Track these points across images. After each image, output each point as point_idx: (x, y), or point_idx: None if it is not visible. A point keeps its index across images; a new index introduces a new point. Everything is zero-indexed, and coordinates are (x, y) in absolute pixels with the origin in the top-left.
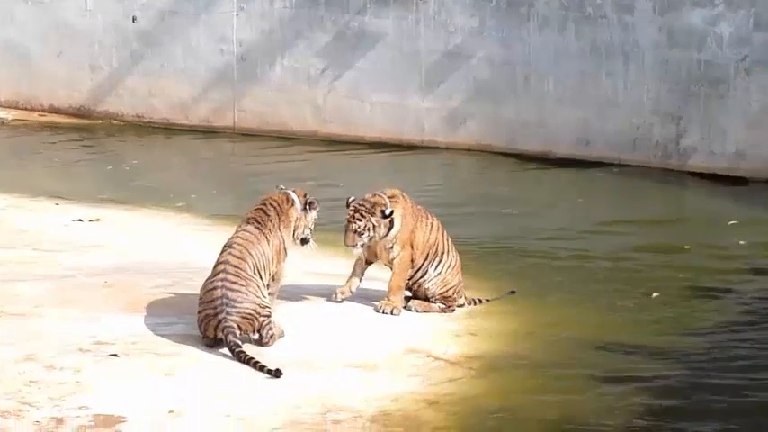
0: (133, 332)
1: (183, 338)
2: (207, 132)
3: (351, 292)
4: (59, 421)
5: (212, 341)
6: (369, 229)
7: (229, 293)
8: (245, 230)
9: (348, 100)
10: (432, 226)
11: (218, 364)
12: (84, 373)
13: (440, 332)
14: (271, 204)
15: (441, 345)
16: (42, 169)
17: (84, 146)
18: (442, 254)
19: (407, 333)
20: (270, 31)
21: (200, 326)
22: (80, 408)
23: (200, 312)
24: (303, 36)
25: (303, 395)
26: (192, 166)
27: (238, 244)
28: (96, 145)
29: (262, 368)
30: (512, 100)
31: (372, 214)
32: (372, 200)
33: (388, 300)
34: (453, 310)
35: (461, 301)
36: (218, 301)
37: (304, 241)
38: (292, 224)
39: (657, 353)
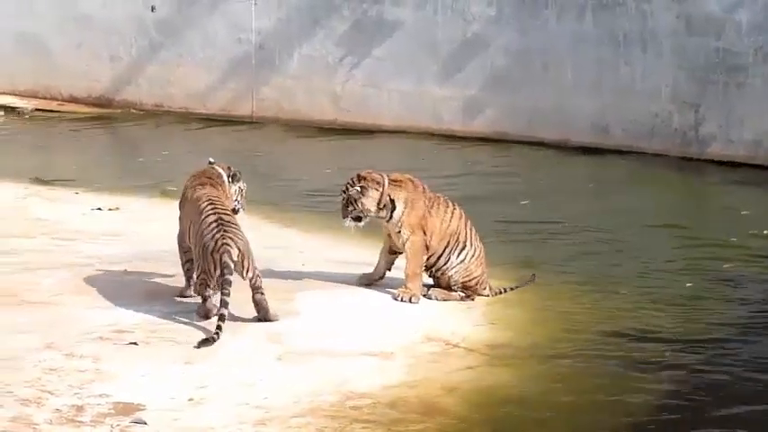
0: (152, 320)
1: (203, 327)
2: (225, 121)
3: (374, 279)
4: (79, 409)
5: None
6: (351, 202)
7: (225, 217)
8: (202, 189)
9: (366, 88)
10: (452, 214)
11: (237, 351)
12: (103, 361)
13: (458, 320)
14: (212, 176)
15: (459, 333)
16: (62, 158)
17: (103, 135)
18: (465, 242)
19: (426, 321)
20: (288, 20)
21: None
22: (100, 396)
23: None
24: (321, 25)
25: (322, 383)
26: (211, 155)
27: (208, 195)
28: (115, 134)
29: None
30: (529, 88)
31: (353, 186)
32: (362, 174)
33: (406, 288)
34: (473, 299)
35: (486, 292)
36: (215, 225)
37: (234, 211)
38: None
39: (680, 341)
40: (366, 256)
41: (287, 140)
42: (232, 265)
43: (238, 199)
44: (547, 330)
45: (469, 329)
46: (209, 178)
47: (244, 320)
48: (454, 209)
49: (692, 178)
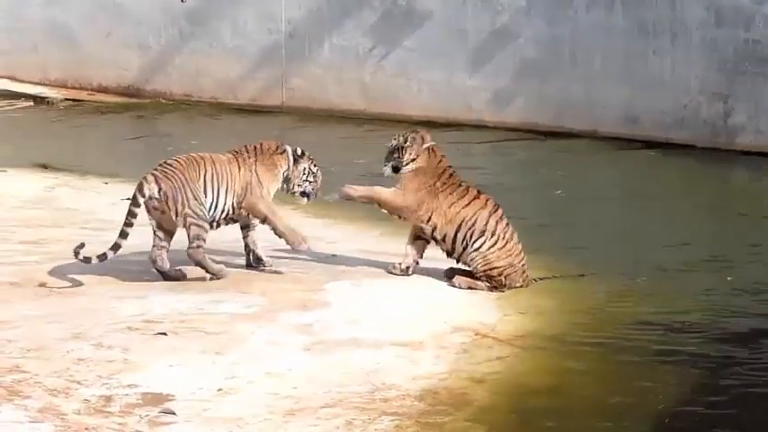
0: (181, 310)
1: (232, 317)
2: (255, 111)
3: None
4: (108, 399)
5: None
6: (398, 150)
7: (169, 161)
8: (220, 153)
9: (395, 78)
10: (471, 202)
11: (266, 342)
12: (132, 351)
13: (487, 310)
14: (252, 144)
15: (488, 323)
16: (91, 148)
17: (132, 125)
18: (484, 231)
19: (455, 311)
20: (318, 10)
21: None
22: (128, 386)
23: None
24: (351, 15)
25: (351, 373)
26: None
27: (207, 155)
28: (145, 124)
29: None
30: (559, 78)
31: (404, 139)
32: (418, 129)
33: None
34: (503, 291)
35: (517, 285)
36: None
37: (303, 194)
38: (277, 170)
39: (712, 333)
40: (396, 246)
41: (317, 130)
42: (139, 198)
43: (308, 179)
44: (576, 320)
45: (499, 319)
46: (245, 146)
47: (273, 310)
48: (477, 197)
49: (721, 169)
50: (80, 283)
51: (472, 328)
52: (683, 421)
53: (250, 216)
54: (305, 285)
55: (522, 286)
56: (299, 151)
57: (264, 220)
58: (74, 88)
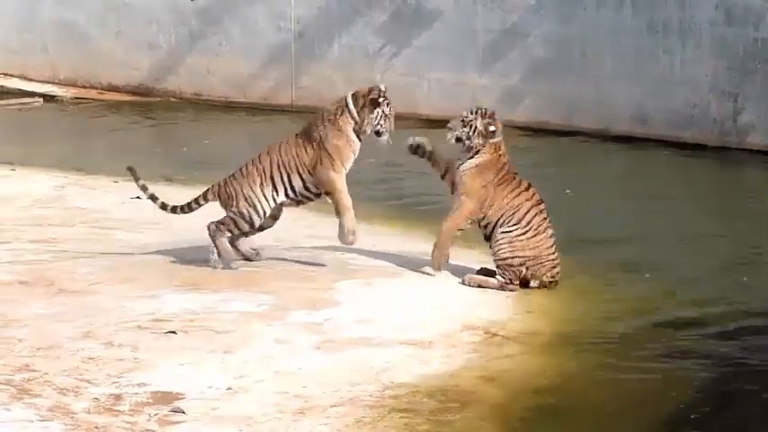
0: (191, 309)
1: (242, 316)
2: (265, 110)
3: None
4: (118, 398)
5: None
6: (469, 126)
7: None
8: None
9: (405, 77)
10: (520, 193)
11: (276, 341)
12: (142, 350)
13: (497, 309)
14: (318, 117)
15: (498, 322)
16: (101, 147)
17: (142, 124)
18: (519, 221)
19: (465, 310)
20: (327, 9)
21: None
22: (138, 385)
23: None
24: (360, 13)
25: (361, 372)
26: (252, 145)
27: (277, 145)
28: (155, 123)
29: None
30: (569, 77)
31: (482, 117)
32: (495, 115)
33: (433, 251)
34: (513, 290)
35: (534, 284)
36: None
37: (378, 133)
38: (344, 132)
39: (724, 334)
40: (408, 246)
41: None
42: (201, 200)
43: (381, 123)
44: (586, 319)
45: (508, 318)
46: (309, 126)
47: (283, 309)
48: (526, 189)
49: (732, 168)
50: (90, 282)
51: (482, 327)
52: (695, 422)
53: (319, 188)
54: (315, 284)
55: (546, 285)
56: (359, 101)
57: (331, 194)
58: (84, 87)
